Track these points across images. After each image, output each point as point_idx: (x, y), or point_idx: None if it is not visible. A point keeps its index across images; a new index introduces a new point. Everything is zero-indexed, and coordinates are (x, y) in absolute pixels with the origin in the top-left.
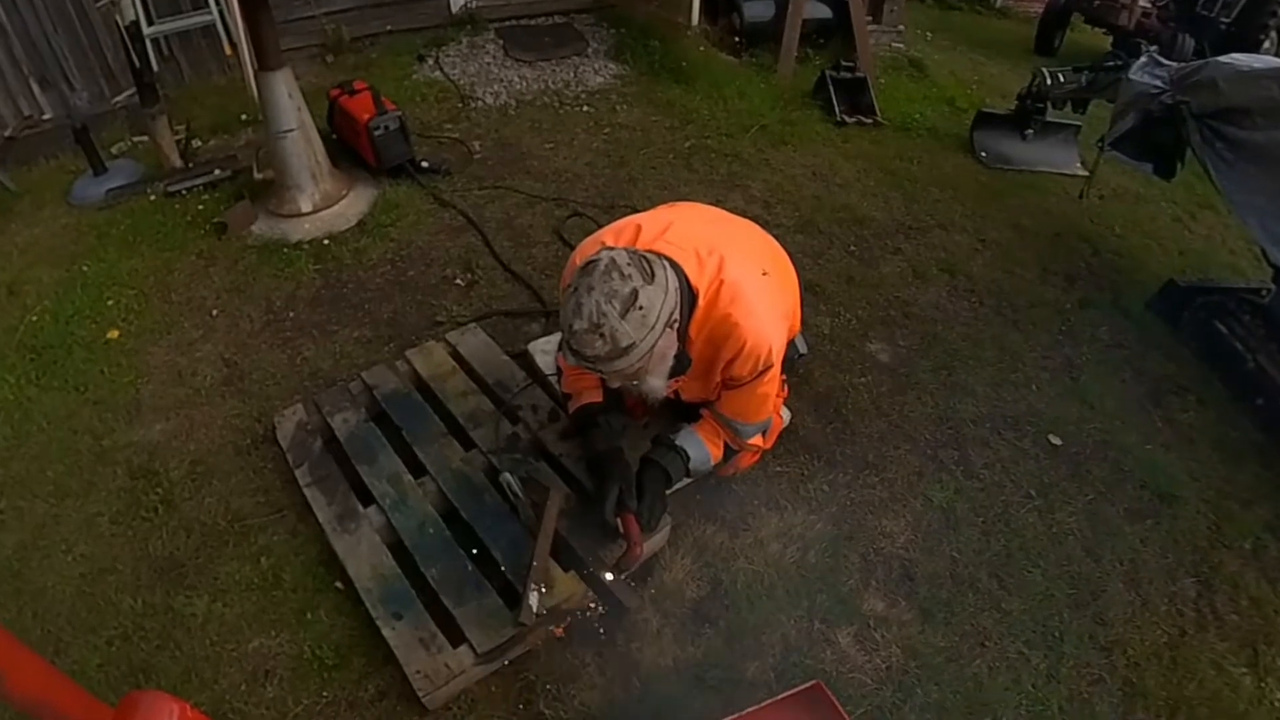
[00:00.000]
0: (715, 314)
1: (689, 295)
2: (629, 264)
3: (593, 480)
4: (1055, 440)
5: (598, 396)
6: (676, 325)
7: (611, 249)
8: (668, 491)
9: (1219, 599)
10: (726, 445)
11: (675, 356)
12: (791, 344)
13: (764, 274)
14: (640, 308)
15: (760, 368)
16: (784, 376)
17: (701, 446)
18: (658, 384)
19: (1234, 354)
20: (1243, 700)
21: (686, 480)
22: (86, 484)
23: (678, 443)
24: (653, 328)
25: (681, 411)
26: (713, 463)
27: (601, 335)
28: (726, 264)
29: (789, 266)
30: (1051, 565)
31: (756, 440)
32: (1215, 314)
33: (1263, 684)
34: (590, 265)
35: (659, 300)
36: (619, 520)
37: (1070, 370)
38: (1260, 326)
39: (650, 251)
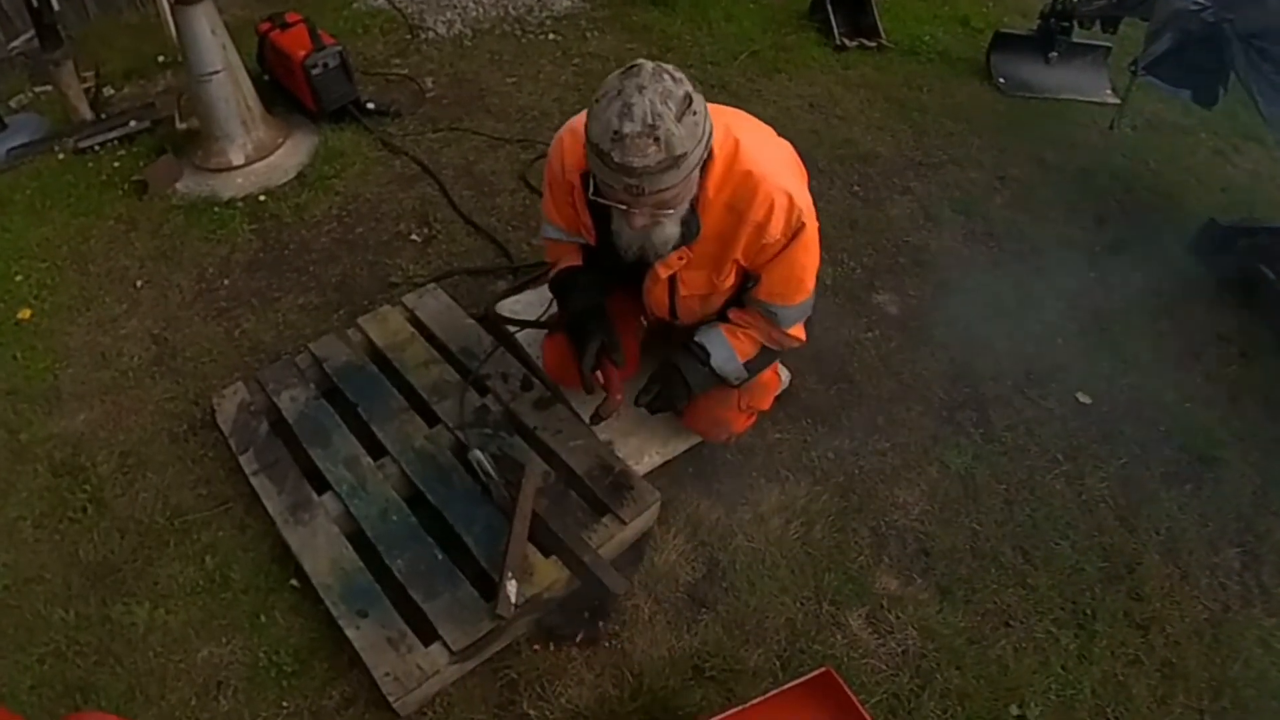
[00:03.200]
0: (735, 171)
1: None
2: (675, 70)
3: (572, 339)
4: (1084, 398)
5: (576, 259)
6: (709, 151)
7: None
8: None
9: (1266, 571)
10: (762, 344)
11: (689, 217)
12: None
13: (777, 147)
14: (695, 112)
15: (794, 226)
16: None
17: (724, 342)
18: (673, 230)
19: None
20: None
21: (716, 383)
22: (3, 485)
23: (696, 339)
24: (700, 140)
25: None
26: (740, 360)
27: (656, 139)
28: (734, 127)
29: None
30: (1082, 536)
31: (798, 331)
32: (1261, 257)
33: None
34: (634, 68)
35: (703, 109)
36: (599, 373)
37: (1100, 321)
38: None
39: None
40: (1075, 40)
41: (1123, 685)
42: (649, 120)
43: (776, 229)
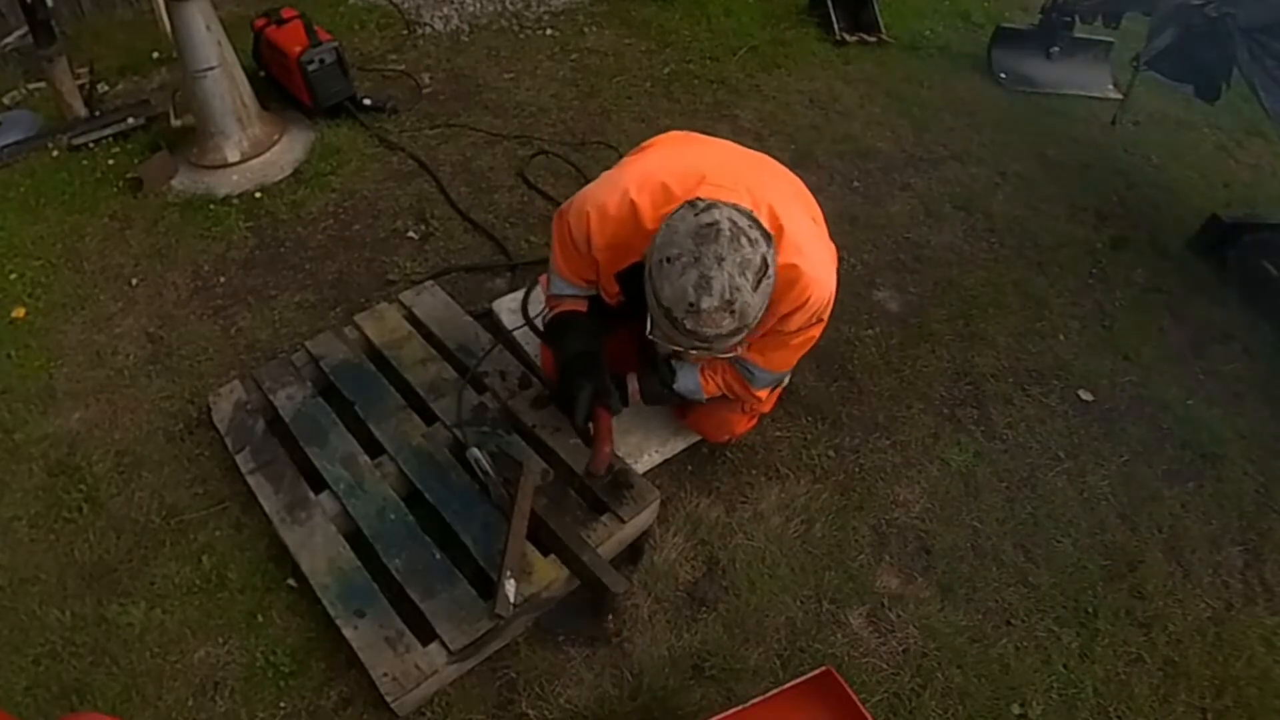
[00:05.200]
0: (780, 264)
1: None
2: (751, 225)
3: (563, 384)
4: (1086, 395)
5: (581, 306)
6: None
7: (714, 206)
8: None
9: (1268, 569)
10: (727, 390)
11: None
12: None
13: (813, 220)
14: (770, 277)
15: (813, 320)
16: None
17: (694, 377)
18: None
19: None
20: None
21: (670, 400)
22: None
23: (672, 360)
24: (768, 294)
25: None
26: (703, 396)
27: (733, 312)
28: (778, 210)
29: (819, 208)
30: (1083, 534)
31: (764, 394)
32: (1264, 253)
33: None
34: (711, 230)
35: (775, 260)
36: (589, 425)
37: (1102, 317)
38: None
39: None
40: (1077, 35)
41: (1125, 684)
42: (727, 296)
43: (799, 320)
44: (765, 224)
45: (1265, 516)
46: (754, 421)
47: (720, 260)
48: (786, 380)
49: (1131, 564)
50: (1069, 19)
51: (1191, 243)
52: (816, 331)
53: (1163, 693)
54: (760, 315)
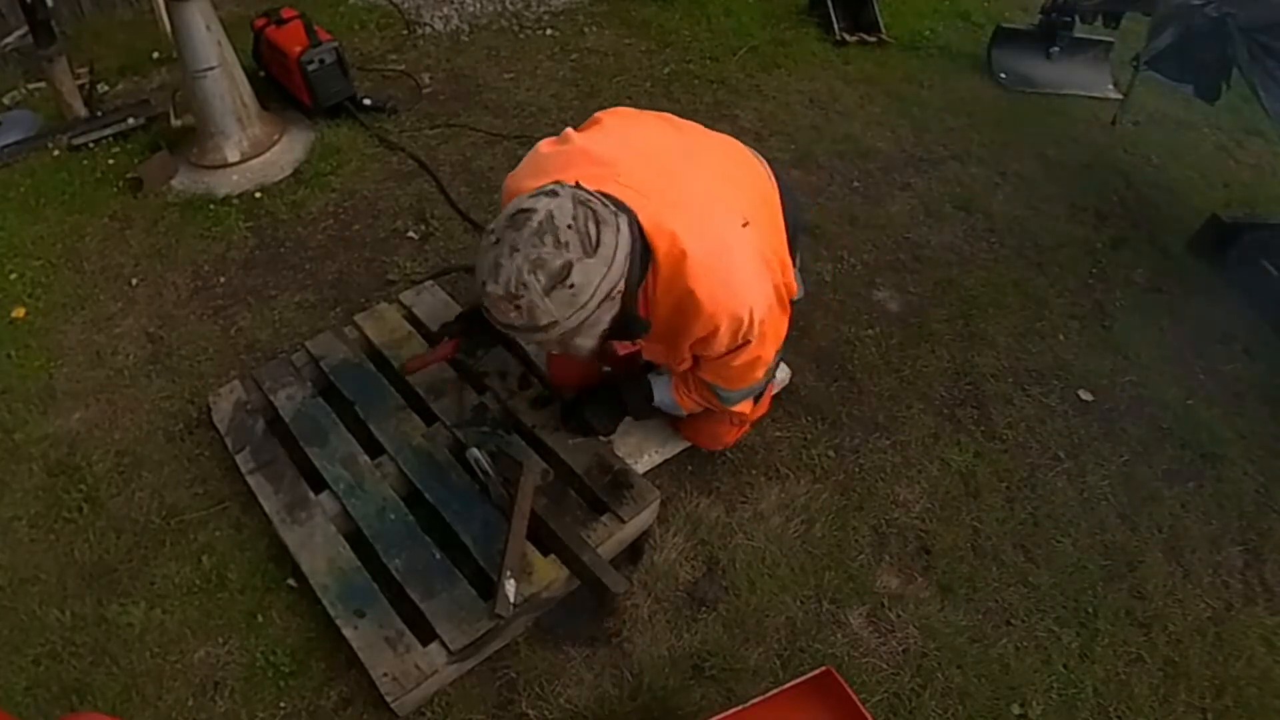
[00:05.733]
0: (678, 287)
1: (644, 257)
2: (570, 226)
3: (464, 319)
4: (1086, 395)
5: None
6: (620, 295)
7: (555, 195)
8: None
9: (1268, 569)
10: (706, 404)
11: (628, 320)
12: None
13: (744, 225)
14: (571, 286)
15: (740, 341)
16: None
17: (667, 392)
18: (587, 344)
19: None
20: None
21: (655, 414)
22: None
23: (648, 374)
24: (583, 306)
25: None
26: (682, 411)
27: (518, 307)
28: (682, 235)
29: (772, 191)
30: (1083, 534)
31: (744, 407)
32: (1265, 253)
33: None
34: (523, 216)
35: (598, 276)
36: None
37: (1102, 318)
38: None
39: (602, 194)
40: (1077, 35)
41: (1125, 684)
42: (511, 288)
43: (721, 345)
44: (662, 249)
45: (1265, 516)
46: (745, 428)
47: (514, 250)
48: (787, 379)
49: (1131, 564)
50: (1069, 19)
51: (1191, 243)
52: (759, 352)
53: (1163, 693)
54: (574, 325)
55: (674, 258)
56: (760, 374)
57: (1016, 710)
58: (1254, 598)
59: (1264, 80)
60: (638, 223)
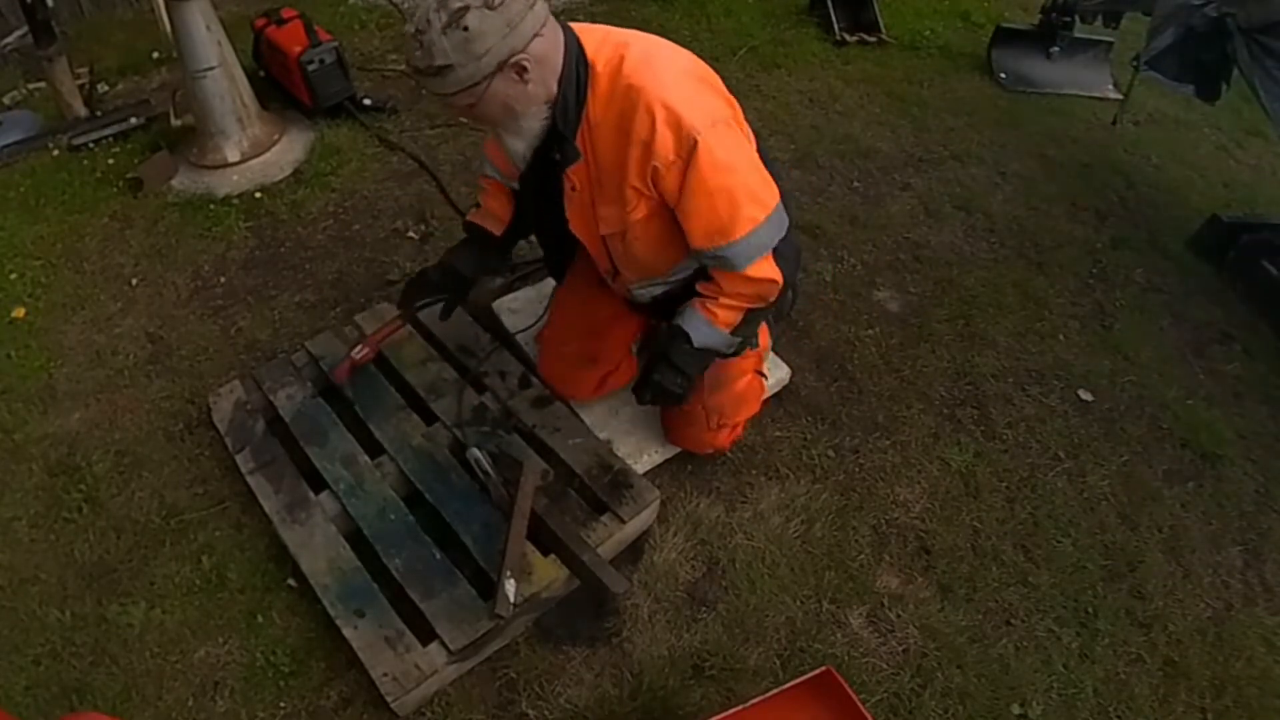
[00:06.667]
0: (619, 86)
1: (579, 68)
2: None
3: (427, 279)
4: (1086, 396)
5: (501, 209)
6: (524, 76)
7: None
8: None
9: (1268, 569)
10: (743, 309)
11: (560, 139)
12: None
13: (702, 80)
14: (465, 28)
15: (686, 143)
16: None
17: (698, 317)
18: (518, 145)
19: None
20: None
21: (716, 356)
22: None
23: (674, 321)
24: (479, 58)
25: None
26: (721, 329)
27: (420, 45)
28: (630, 44)
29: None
30: (1083, 534)
31: (761, 270)
32: (1264, 253)
33: None
34: None
35: (494, 30)
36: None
37: (1102, 318)
38: None
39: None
40: (1077, 35)
41: (1125, 684)
42: (419, 24)
43: (665, 148)
44: (608, 54)
45: (1265, 516)
46: (738, 432)
47: None
48: (782, 382)
49: (1131, 564)
50: (1069, 19)
51: (1191, 243)
52: (717, 165)
53: (1162, 693)
54: (471, 80)
55: (613, 64)
56: (747, 210)
57: (1016, 710)
58: (1254, 598)
59: (1264, 80)
60: (577, 43)
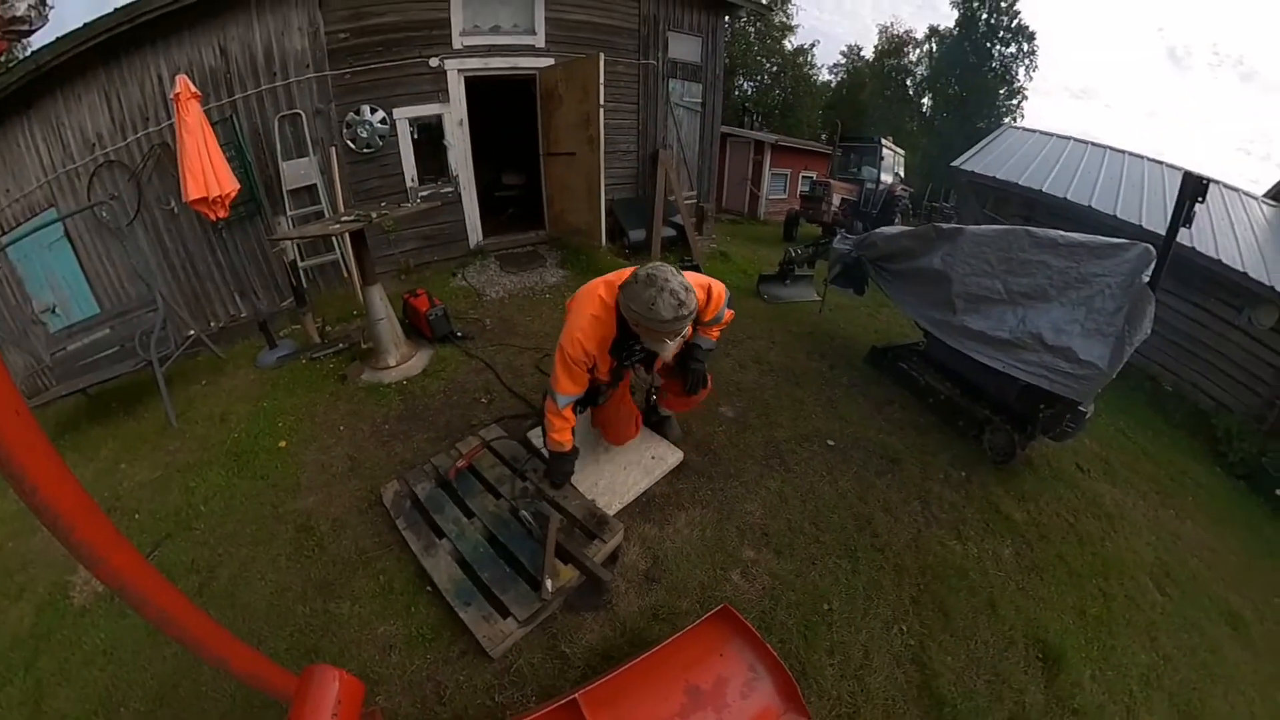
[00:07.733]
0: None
1: None
2: (664, 269)
3: (553, 478)
4: (831, 442)
5: (568, 437)
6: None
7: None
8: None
9: (933, 508)
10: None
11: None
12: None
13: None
14: (688, 289)
15: (720, 295)
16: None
17: (707, 339)
18: (674, 344)
19: (912, 378)
20: (957, 557)
21: (710, 352)
22: (269, 536)
23: (693, 341)
24: (693, 304)
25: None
26: (715, 341)
27: (683, 304)
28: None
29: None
30: (842, 511)
31: (727, 315)
32: (900, 359)
33: (966, 546)
34: (649, 275)
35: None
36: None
37: (831, 403)
38: (923, 362)
39: None
40: (798, 273)
41: (876, 581)
42: (679, 296)
43: (716, 298)
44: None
45: (928, 483)
46: (703, 395)
47: (667, 281)
48: (679, 459)
49: (868, 520)
50: (793, 267)
51: (867, 359)
52: (714, 300)
53: (895, 580)
54: (689, 314)
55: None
56: (720, 302)
57: (825, 607)
58: (931, 523)
59: (884, 281)
60: None
